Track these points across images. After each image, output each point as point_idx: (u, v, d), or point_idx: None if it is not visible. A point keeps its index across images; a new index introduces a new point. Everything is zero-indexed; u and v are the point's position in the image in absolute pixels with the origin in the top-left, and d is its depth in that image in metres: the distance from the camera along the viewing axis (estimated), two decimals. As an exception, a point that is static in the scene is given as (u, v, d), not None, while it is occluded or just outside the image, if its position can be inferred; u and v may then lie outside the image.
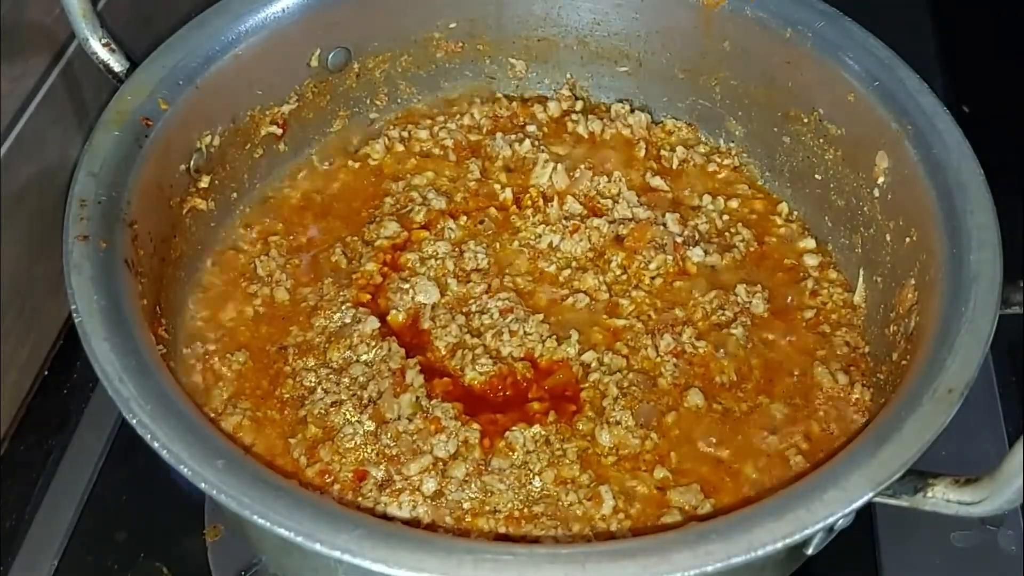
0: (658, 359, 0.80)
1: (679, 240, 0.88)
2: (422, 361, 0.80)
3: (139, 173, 0.76)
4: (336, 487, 0.72)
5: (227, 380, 0.79)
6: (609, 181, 0.92)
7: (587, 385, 0.79)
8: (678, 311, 0.83)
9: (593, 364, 0.80)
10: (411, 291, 0.84)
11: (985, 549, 0.84)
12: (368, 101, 0.97)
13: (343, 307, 0.82)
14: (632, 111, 0.98)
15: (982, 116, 1.02)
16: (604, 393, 0.78)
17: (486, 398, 0.79)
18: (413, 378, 0.77)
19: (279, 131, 0.91)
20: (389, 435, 0.74)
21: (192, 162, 0.83)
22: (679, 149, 0.96)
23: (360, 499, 0.71)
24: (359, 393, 0.77)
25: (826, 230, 0.90)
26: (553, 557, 0.58)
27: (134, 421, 0.62)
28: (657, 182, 0.93)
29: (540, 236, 0.89)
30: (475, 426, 0.75)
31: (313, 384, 0.78)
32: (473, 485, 0.72)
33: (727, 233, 0.90)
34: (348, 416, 0.76)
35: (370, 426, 0.75)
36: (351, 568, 0.58)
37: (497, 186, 0.93)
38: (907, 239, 0.78)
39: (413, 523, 0.70)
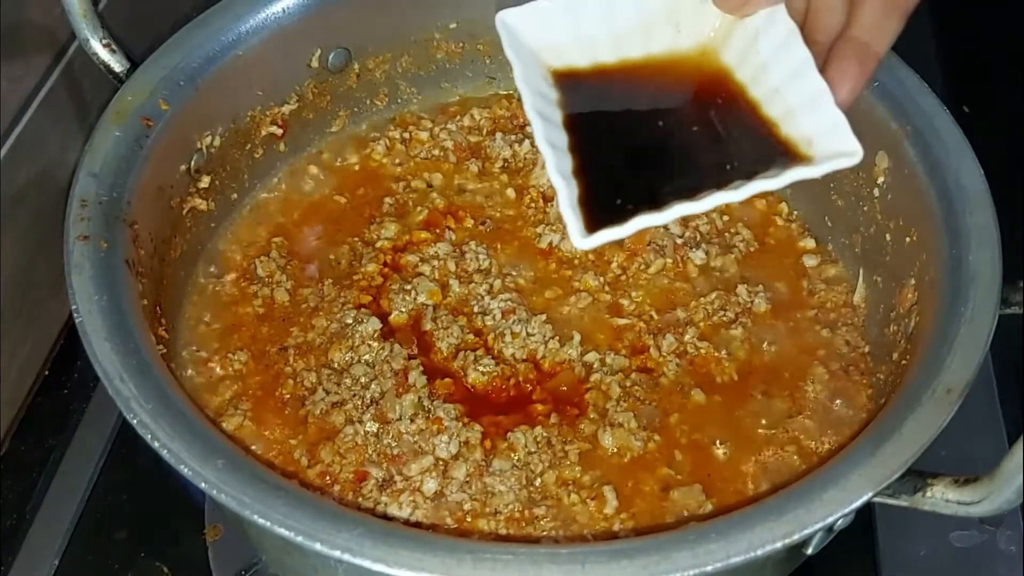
0: (660, 359, 0.81)
1: (679, 242, 0.88)
2: (424, 362, 0.79)
3: (139, 173, 0.76)
4: (336, 488, 0.72)
5: (228, 380, 0.79)
6: (609, 181, 0.92)
7: (590, 386, 0.79)
8: (680, 312, 0.83)
9: (595, 365, 0.80)
10: (412, 292, 0.84)
11: (984, 549, 0.84)
12: (368, 102, 0.97)
13: (344, 308, 0.82)
14: (632, 111, 0.98)
15: (982, 116, 1.02)
16: (607, 394, 0.78)
17: (488, 399, 0.79)
18: (416, 379, 0.77)
19: (279, 131, 0.91)
20: (390, 435, 0.74)
21: (192, 162, 0.83)
22: (679, 149, 0.96)
23: (360, 500, 0.71)
24: (361, 394, 0.77)
25: (826, 230, 0.90)
26: (553, 557, 0.58)
27: (134, 421, 0.62)
28: (657, 182, 0.93)
29: (540, 236, 0.89)
30: (476, 427, 0.75)
31: (314, 384, 0.78)
32: (474, 486, 0.72)
33: (727, 233, 0.90)
34: (349, 416, 0.76)
35: (372, 427, 0.75)
36: (351, 568, 0.58)
37: (497, 186, 0.93)
38: (907, 239, 0.78)
39: (413, 525, 0.70)
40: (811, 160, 0.61)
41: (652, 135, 0.63)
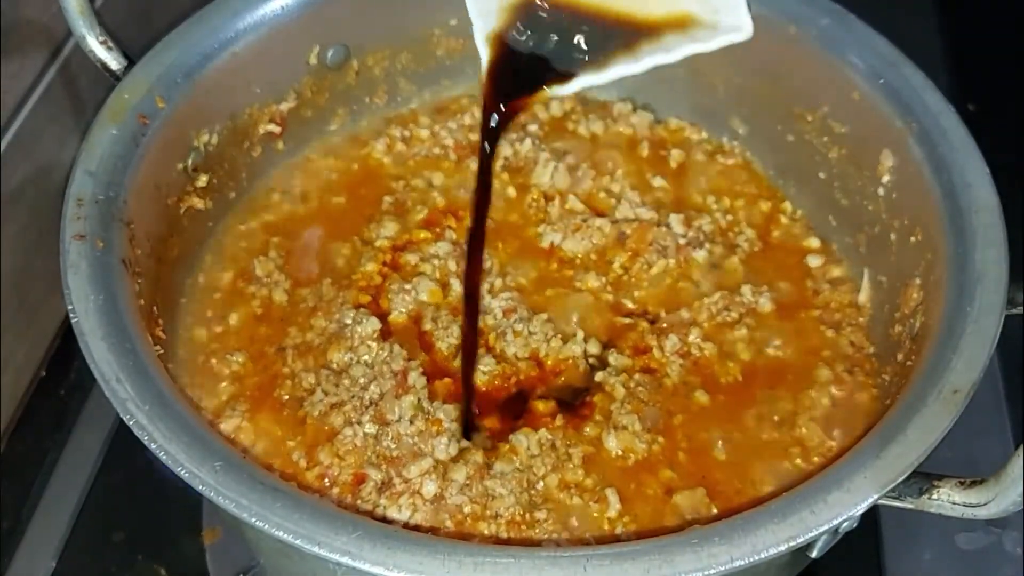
0: (664, 359, 0.80)
1: (682, 242, 0.87)
2: (424, 362, 0.79)
3: (136, 172, 0.75)
4: (335, 490, 0.71)
5: (225, 381, 0.78)
6: (611, 181, 0.92)
7: (592, 386, 0.78)
8: (684, 312, 0.83)
9: (598, 364, 0.79)
10: (412, 291, 0.83)
11: (990, 551, 0.84)
12: (368, 99, 0.97)
13: (343, 308, 0.81)
14: (635, 110, 0.98)
15: (988, 114, 1.02)
16: (611, 395, 0.77)
17: (490, 399, 0.78)
18: (416, 379, 0.77)
19: (277, 130, 0.91)
20: (389, 437, 0.74)
21: (190, 161, 0.82)
22: (682, 148, 0.95)
23: (359, 502, 0.71)
24: (360, 395, 0.76)
25: (830, 229, 0.89)
26: (554, 560, 0.57)
27: (131, 422, 0.62)
28: (660, 182, 0.93)
29: (542, 235, 0.88)
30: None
31: (312, 385, 0.77)
32: (474, 489, 0.72)
33: (730, 233, 0.89)
34: (348, 418, 0.75)
35: (371, 428, 0.74)
36: (350, 571, 0.57)
37: (498, 185, 0.92)
38: (912, 238, 0.78)
39: (412, 528, 0.69)
40: (708, 31, 0.66)
41: (576, 34, 0.69)
